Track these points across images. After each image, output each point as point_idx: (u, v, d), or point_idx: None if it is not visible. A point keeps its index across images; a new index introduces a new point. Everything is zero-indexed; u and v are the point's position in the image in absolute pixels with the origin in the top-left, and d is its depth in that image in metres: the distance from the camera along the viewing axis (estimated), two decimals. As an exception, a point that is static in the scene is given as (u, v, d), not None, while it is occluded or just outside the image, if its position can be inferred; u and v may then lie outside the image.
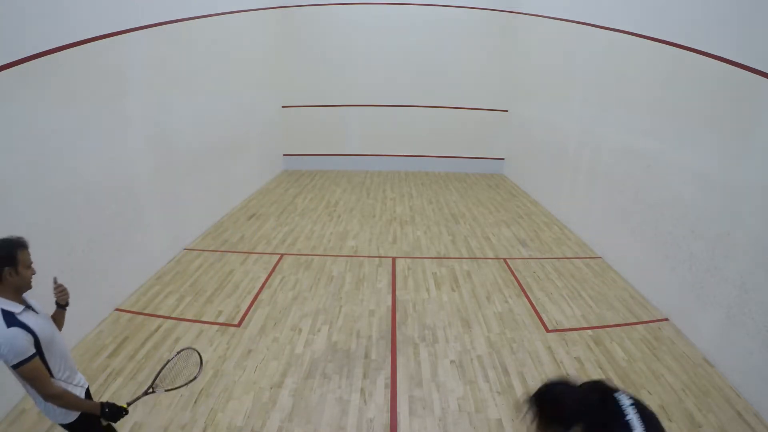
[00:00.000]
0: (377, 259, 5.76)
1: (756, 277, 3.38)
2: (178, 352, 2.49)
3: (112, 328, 4.12)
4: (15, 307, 1.95)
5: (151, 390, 2.36)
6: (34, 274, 2.06)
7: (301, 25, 10.11)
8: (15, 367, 1.87)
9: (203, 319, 4.32)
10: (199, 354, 2.53)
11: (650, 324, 4.36)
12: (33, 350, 1.90)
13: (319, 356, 3.81)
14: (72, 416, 2.11)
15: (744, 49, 3.60)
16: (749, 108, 3.55)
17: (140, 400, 2.36)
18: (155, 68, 5.08)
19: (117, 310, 4.41)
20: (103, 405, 2.13)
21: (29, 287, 2.04)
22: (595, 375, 3.60)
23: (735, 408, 3.26)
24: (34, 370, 1.90)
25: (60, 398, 1.99)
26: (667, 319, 4.42)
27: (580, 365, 3.73)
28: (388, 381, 3.53)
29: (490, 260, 5.80)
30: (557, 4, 7.59)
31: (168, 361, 2.43)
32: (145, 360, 3.69)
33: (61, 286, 2.27)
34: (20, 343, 1.86)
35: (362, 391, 3.42)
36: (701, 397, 3.36)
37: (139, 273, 4.93)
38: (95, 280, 4.10)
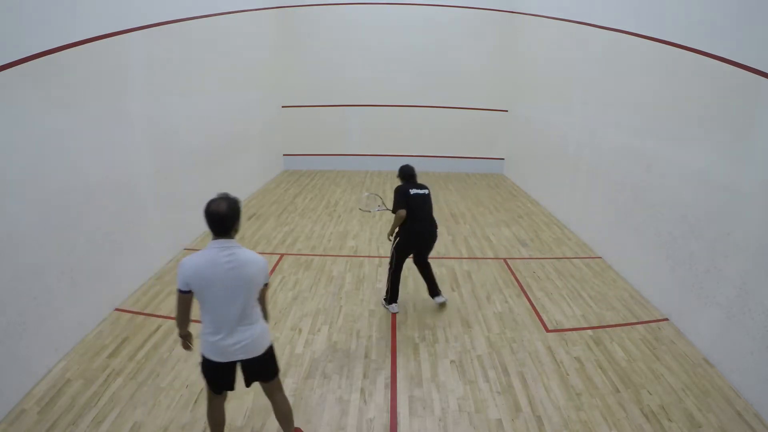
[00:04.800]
0: (377, 259, 5.76)
1: (756, 277, 3.38)
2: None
3: (112, 328, 4.12)
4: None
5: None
6: None
7: (301, 25, 10.12)
8: (266, 285, 2.50)
9: (203, 319, 4.32)
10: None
11: (650, 324, 4.36)
12: None
13: (319, 356, 3.81)
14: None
15: (744, 49, 3.60)
16: (749, 108, 3.54)
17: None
18: (155, 68, 5.08)
19: (117, 310, 4.41)
20: None
21: None
22: (595, 375, 3.61)
23: (735, 408, 3.26)
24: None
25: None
26: (667, 319, 4.42)
27: (580, 365, 3.73)
28: (388, 381, 3.53)
29: (490, 260, 5.80)
30: (557, 4, 7.59)
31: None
32: (145, 360, 3.69)
33: None
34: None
35: (362, 391, 3.42)
36: (701, 397, 3.36)
37: (139, 273, 4.93)
38: (95, 280, 4.10)
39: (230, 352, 2.39)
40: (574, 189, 6.84)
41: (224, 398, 2.67)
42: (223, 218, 2.32)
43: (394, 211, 4.17)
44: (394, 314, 4.47)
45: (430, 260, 4.56)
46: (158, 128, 5.23)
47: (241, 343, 2.38)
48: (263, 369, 2.56)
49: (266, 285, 2.45)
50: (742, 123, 3.62)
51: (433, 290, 4.58)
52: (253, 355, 2.45)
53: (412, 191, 4.22)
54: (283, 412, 2.73)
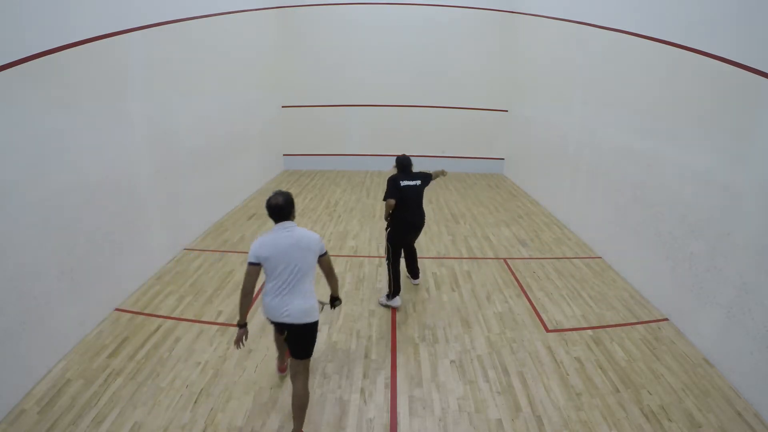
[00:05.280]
0: (377, 259, 5.76)
1: (756, 277, 3.38)
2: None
3: (112, 328, 4.12)
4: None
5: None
6: None
7: (301, 25, 10.12)
8: (322, 255, 2.94)
9: (203, 319, 4.32)
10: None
11: (650, 324, 4.36)
12: None
13: (319, 356, 3.81)
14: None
15: (744, 49, 3.60)
16: (749, 108, 3.55)
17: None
18: (155, 68, 5.08)
19: (117, 310, 4.41)
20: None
21: None
22: (595, 375, 3.61)
23: (735, 408, 3.26)
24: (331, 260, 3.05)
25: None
26: (667, 319, 4.42)
27: (580, 365, 3.73)
28: (388, 381, 3.53)
29: (490, 260, 5.80)
30: (557, 4, 7.59)
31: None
32: (145, 360, 3.69)
33: None
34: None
35: (362, 391, 3.42)
36: (701, 397, 3.36)
37: (139, 273, 4.93)
38: (95, 280, 4.10)
39: (279, 314, 2.86)
40: (574, 189, 6.84)
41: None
42: (281, 208, 2.87)
43: (384, 200, 4.41)
44: (394, 314, 4.47)
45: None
46: (158, 128, 5.23)
47: (288, 309, 2.84)
48: (300, 341, 2.92)
49: (325, 254, 2.95)
50: (742, 123, 3.62)
51: (413, 272, 4.99)
52: (296, 322, 2.87)
53: (403, 183, 4.42)
54: (301, 402, 2.94)
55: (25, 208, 3.30)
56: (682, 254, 4.28)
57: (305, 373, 2.96)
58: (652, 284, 4.79)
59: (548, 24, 7.98)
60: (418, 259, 5.10)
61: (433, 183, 4.86)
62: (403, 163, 4.57)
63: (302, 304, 2.86)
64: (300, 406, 2.93)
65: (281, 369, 3.57)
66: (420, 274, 5.13)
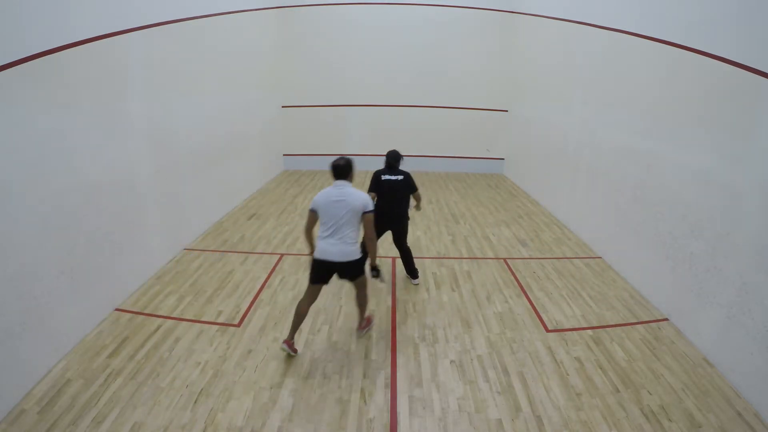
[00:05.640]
0: (377, 259, 5.74)
1: (756, 277, 3.38)
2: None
3: (112, 328, 4.12)
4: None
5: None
6: None
7: (301, 25, 10.12)
8: (366, 213, 3.56)
9: (203, 319, 4.32)
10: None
11: (650, 324, 4.36)
12: None
13: (319, 356, 3.81)
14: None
15: (744, 49, 3.60)
16: (749, 108, 3.54)
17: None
18: (155, 68, 5.08)
19: (117, 310, 4.41)
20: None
21: None
22: (595, 375, 3.61)
23: (735, 408, 3.26)
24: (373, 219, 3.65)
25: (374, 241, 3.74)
26: (667, 319, 4.42)
27: (580, 365, 3.73)
28: (388, 381, 3.53)
29: (490, 260, 5.80)
30: (557, 4, 7.59)
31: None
32: (145, 360, 3.69)
33: None
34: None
35: (362, 391, 3.42)
36: (701, 397, 3.36)
37: (139, 273, 4.93)
38: (95, 280, 4.10)
39: (327, 252, 3.57)
40: (574, 189, 6.84)
41: (317, 291, 3.77)
42: (340, 168, 3.62)
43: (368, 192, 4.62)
44: (394, 314, 4.47)
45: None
46: (158, 128, 5.23)
47: (335, 249, 3.56)
48: (348, 273, 3.73)
49: (368, 212, 3.58)
50: (742, 123, 3.62)
51: (411, 272, 5.09)
52: (341, 260, 3.59)
53: (384, 177, 4.72)
54: (359, 302, 3.96)
55: (25, 208, 3.30)
56: (682, 254, 4.28)
57: (361, 286, 3.88)
58: (652, 284, 4.79)
59: (548, 24, 7.99)
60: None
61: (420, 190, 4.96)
62: (389, 160, 4.79)
63: (342, 247, 3.56)
64: (360, 304, 3.96)
65: (287, 342, 3.73)
66: (419, 274, 5.15)
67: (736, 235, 3.63)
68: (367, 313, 4.12)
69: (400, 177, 4.69)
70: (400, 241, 4.94)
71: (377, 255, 3.76)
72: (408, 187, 4.74)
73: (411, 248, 5.10)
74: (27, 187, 3.31)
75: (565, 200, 7.20)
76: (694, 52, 4.16)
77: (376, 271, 3.79)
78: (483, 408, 3.26)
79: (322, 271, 3.66)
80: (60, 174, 3.65)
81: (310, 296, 3.76)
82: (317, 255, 3.61)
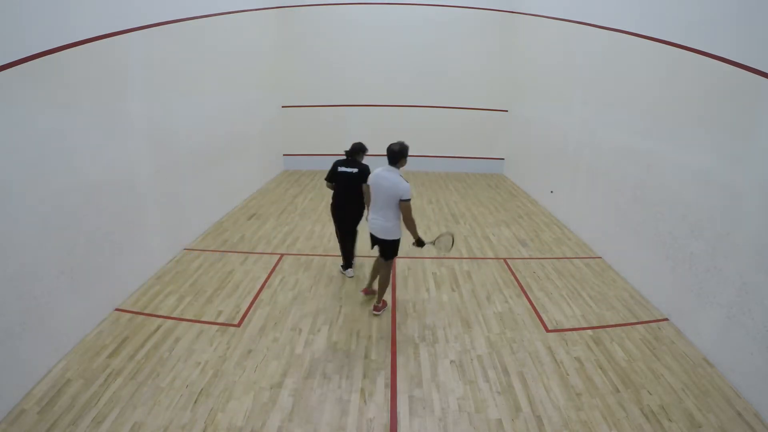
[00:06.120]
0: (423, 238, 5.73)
1: (756, 277, 3.38)
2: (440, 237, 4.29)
3: (112, 328, 4.12)
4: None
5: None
6: None
7: (301, 25, 10.11)
8: (402, 201, 3.92)
9: (203, 319, 4.32)
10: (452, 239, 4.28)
11: (650, 324, 4.36)
12: None
13: (319, 356, 3.81)
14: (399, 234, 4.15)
15: (744, 49, 3.60)
16: (749, 108, 3.55)
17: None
18: (155, 68, 5.08)
19: (117, 310, 4.41)
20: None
21: None
22: (595, 375, 3.61)
23: (735, 408, 3.26)
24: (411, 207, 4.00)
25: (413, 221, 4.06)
26: (667, 319, 4.42)
27: (580, 365, 3.73)
28: (388, 381, 3.53)
29: (490, 260, 5.80)
30: (557, 4, 7.59)
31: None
32: (145, 360, 3.69)
33: None
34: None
35: (362, 391, 3.42)
36: (701, 397, 3.36)
37: (139, 273, 4.93)
38: (95, 280, 4.10)
39: (371, 224, 4.21)
40: (574, 189, 6.84)
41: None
42: (393, 153, 4.01)
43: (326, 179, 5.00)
44: (394, 314, 4.47)
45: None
46: (158, 128, 5.23)
47: (375, 226, 4.15)
48: (383, 249, 4.24)
49: (405, 201, 3.91)
50: (742, 123, 3.62)
51: (345, 262, 5.28)
52: (377, 236, 4.18)
53: (340, 168, 4.85)
54: (381, 282, 4.35)
55: (25, 208, 3.30)
56: (682, 254, 4.28)
57: (387, 267, 4.30)
58: (652, 284, 4.79)
59: (548, 24, 7.99)
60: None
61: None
62: (350, 151, 4.89)
63: (383, 224, 4.06)
64: (380, 284, 4.34)
65: (364, 291, 4.67)
66: (352, 270, 5.29)
67: (736, 235, 3.63)
68: (383, 297, 4.46)
69: (355, 170, 4.77)
70: (351, 229, 5.08)
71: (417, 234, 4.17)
72: (362, 180, 4.75)
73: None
74: (27, 187, 3.31)
75: (565, 200, 7.20)
76: (694, 52, 4.16)
77: (421, 244, 4.17)
78: (483, 408, 3.26)
79: (372, 240, 4.30)
80: (60, 174, 3.65)
81: (377, 260, 4.45)
82: (369, 228, 4.25)
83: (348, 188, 4.82)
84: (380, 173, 4.06)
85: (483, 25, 10.08)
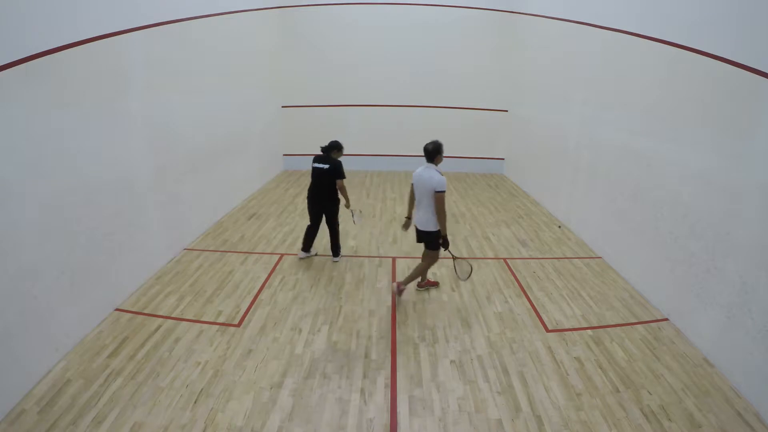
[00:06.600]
0: (377, 259, 5.76)
1: (756, 277, 3.38)
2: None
3: (112, 328, 4.12)
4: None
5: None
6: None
7: (301, 25, 10.11)
8: (436, 192, 4.22)
9: (203, 319, 4.32)
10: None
11: (650, 324, 4.36)
12: None
13: (319, 356, 3.81)
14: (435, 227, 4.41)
15: (744, 49, 3.60)
16: (749, 108, 3.55)
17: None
18: (155, 68, 5.08)
19: (117, 310, 4.41)
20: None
21: None
22: (595, 375, 3.61)
23: (735, 408, 3.26)
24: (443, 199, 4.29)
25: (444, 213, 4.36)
26: (667, 319, 4.42)
27: (580, 365, 3.73)
28: (388, 381, 3.53)
29: (490, 260, 5.80)
30: (557, 4, 7.59)
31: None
32: (145, 360, 3.69)
33: None
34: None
35: (362, 391, 3.42)
36: (701, 397, 3.36)
37: (139, 273, 4.93)
38: (95, 280, 4.10)
39: (416, 218, 4.53)
40: (574, 189, 6.84)
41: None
42: (428, 151, 4.37)
43: None
44: (394, 314, 4.47)
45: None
46: (158, 128, 5.23)
47: (417, 218, 4.49)
48: (423, 240, 4.55)
49: (437, 193, 4.22)
50: (743, 123, 3.62)
51: (333, 249, 5.67)
52: (420, 228, 4.49)
53: (314, 164, 5.33)
54: (417, 267, 4.69)
55: (25, 208, 3.30)
56: (682, 254, 4.28)
57: (428, 258, 4.61)
58: (652, 284, 4.79)
59: (548, 24, 7.98)
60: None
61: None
62: (323, 147, 5.32)
63: (422, 216, 4.40)
64: (416, 270, 4.66)
65: (419, 284, 4.91)
66: (339, 257, 5.67)
67: (736, 235, 3.63)
68: (404, 287, 4.75)
69: (327, 165, 5.23)
70: (329, 221, 5.53)
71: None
72: (333, 175, 5.23)
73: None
74: (27, 187, 3.31)
75: (565, 200, 7.20)
76: (694, 52, 4.16)
77: (446, 243, 4.42)
78: (483, 408, 3.26)
79: (417, 234, 4.60)
80: (60, 174, 3.66)
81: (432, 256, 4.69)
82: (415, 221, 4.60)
83: (319, 182, 5.29)
84: (418, 171, 4.41)
85: (483, 25, 10.08)
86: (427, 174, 4.30)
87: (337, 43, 10.16)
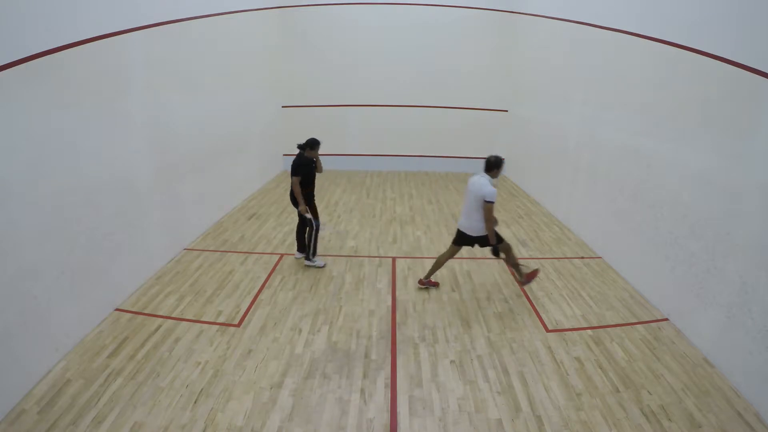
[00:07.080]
0: (377, 259, 5.76)
1: (756, 277, 3.38)
2: None
3: (112, 328, 4.12)
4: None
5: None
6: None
7: (301, 25, 10.11)
8: (489, 202, 4.31)
9: (203, 319, 4.32)
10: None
11: (650, 324, 4.36)
12: None
13: (319, 356, 3.81)
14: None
15: (744, 49, 3.60)
16: (749, 108, 3.54)
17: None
18: (155, 68, 5.08)
19: (117, 310, 4.41)
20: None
21: None
22: (595, 375, 3.61)
23: (735, 408, 3.26)
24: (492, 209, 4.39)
25: (492, 222, 4.48)
26: (667, 319, 4.42)
27: (580, 365, 3.73)
28: (388, 381, 3.53)
29: (490, 260, 5.80)
30: (557, 4, 7.59)
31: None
32: (145, 360, 3.69)
33: None
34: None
35: (362, 391, 3.42)
36: (701, 397, 3.36)
37: (139, 273, 4.93)
38: (95, 280, 4.10)
39: (459, 222, 4.70)
40: (574, 189, 6.84)
41: (455, 251, 4.81)
42: (488, 162, 4.48)
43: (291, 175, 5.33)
44: (394, 314, 4.47)
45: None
46: (158, 128, 5.23)
47: (462, 222, 4.64)
48: (479, 243, 4.63)
49: (487, 203, 4.32)
50: (743, 123, 3.62)
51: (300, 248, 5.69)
52: (466, 233, 4.60)
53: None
54: (510, 263, 4.84)
55: (25, 208, 3.30)
56: (682, 254, 4.28)
57: (505, 252, 4.66)
58: (652, 284, 4.79)
59: (548, 24, 7.98)
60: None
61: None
62: (304, 144, 5.27)
63: (468, 223, 4.55)
64: (511, 265, 4.85)
65: (421, 281, 4.99)
66: (311, 262, 5.50)
67: (736, 235, 3.63)
68: (517, 274, 4.88)
69: (313, 164, 5.36)
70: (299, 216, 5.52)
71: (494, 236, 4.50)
72: (292, 169, 5.27)
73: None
74: (27, 187, 3.31)
75: (565, 200, 7.20)
76: (694, 52, 4.16)
77: (495, 252, 4.58)
78: (483, 408, 3.26)
79: (458, 236, 4.70)
80: (60, 174, 3.65)
81: (450, 253, 4.82)
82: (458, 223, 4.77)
83: (311, 177, 5.42)
84: (473, 178, 4.51)
85: (483, 25, 10.08)
86: (479, 183, 4.40)
87: (337, 43, 10.17)
